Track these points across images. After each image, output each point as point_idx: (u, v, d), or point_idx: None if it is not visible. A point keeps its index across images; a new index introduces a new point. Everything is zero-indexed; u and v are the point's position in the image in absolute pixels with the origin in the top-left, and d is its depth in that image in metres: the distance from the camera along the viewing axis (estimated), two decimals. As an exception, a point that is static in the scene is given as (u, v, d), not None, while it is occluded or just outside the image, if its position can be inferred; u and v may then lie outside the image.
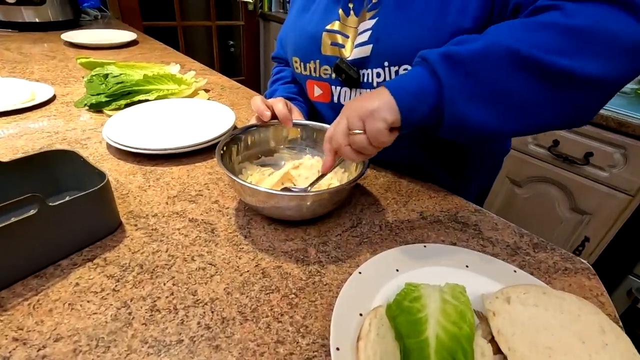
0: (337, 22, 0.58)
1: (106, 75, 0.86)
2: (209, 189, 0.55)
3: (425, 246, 0.45)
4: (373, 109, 0.39)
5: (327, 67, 0.60)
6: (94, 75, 0.86)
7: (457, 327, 0.32)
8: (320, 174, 0.49)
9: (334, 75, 0.59)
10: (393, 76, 0.53)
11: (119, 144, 0.59)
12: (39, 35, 1.32)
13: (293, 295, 0.39)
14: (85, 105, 0.77)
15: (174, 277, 0.39)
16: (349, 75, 0.56)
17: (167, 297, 0.37)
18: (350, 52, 0.56)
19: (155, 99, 0.80)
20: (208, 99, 0.88)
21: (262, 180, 0.56)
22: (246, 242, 0.45)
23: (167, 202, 0.51)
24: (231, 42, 2.66)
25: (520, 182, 1.35)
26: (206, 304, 0.37)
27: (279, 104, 0.57)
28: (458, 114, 0.38)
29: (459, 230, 0.51)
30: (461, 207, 0.56)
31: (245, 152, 0.57)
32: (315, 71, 0.62)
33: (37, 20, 1.35)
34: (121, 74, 0.86)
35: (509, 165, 1.35)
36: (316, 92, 0.64)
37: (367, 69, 0.55)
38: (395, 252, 0.43)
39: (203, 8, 2.30)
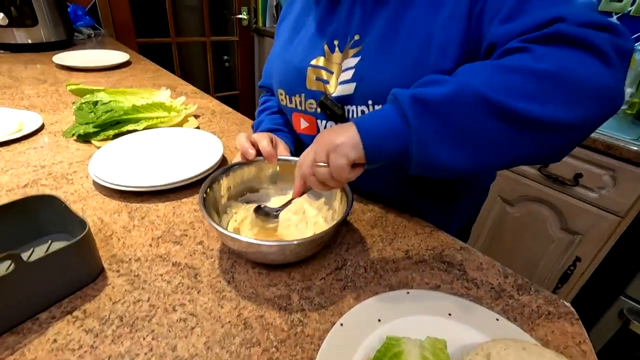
0: (321, 58, 0.58)
1: (95, 103, 0.86)
2: (194, 228, 0.55)
3: (408, 292, 0.45)
4: (338, 144, 0.39)
5: (312, 101, 0.60)
6: (83, 103, 0.86)
7: (436, 389, 0.31)
8: (290, 198, 0.50)
9: (319, 110, 0.60)
10: None
11: (104, 181, 0.59)
12: (31, 57, 1.32)
13: (274, 349, 0.38)
14: (74, 135, 0.77)
15: (154, 331, 0.39)
16: (333, 111, 0.57)
17: (145, 353, 0.37)
18: (334, 89, 0.57)
19: (144, 129, 0.80)
20: (198, 126, 0.88)
21: (247, 217, 0.56)
22: (229, 289, 0.45)
23: (151, 244, 0.51)
24: (226, 57, 2.68)
25: (511, 201, 1.36)
26: (185, 360, 0.36)
27: (263, 141, 0.58)
28: (427, 155, 0.38)
29: (443, 270, 0.51)
30: (447, 245, 0.56)
31: (230, 190, 0.57)
32: (300, 104, 0.62)
33: (29, 41, 1.35)
34: (110, 101, 0.87)
35: (501, 184, 1.35)
36: (302, 124, 0.65)
37: (351, 105, 0.56)
38: (377, 301, 0.43)
39: (197, 24, 2.32)
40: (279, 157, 0.58)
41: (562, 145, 0.38)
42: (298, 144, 0.70)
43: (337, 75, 0.57)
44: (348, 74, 0.55)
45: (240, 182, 0.58)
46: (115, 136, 0.77)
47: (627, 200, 1.08)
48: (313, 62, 0.59)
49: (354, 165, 0.40)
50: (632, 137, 1.08)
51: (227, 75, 2.72)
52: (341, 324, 0.40)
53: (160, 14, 2.07)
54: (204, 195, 0.49)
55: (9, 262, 0.36)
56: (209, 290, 0.45)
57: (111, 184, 0.59)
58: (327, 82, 0.58)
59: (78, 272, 0.42)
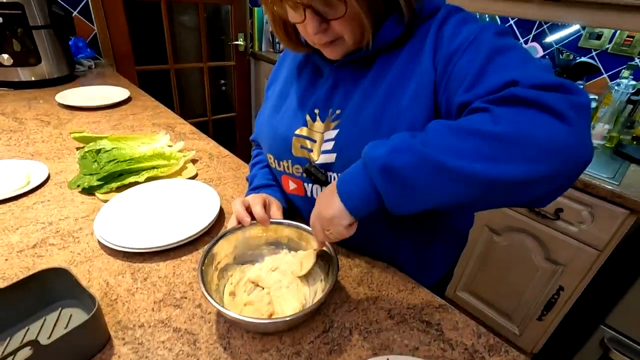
0: (304, 128, 0.63)
1: (98, 151, 0.91)
2: (192, 290, 0.59)
3: (388, 358, 0.50)
4: (330, 217, 0.48)
5: (298, 166, 0.65)
6: (87, 152, 0.91)
7: None
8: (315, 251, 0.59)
9: (305, 175, 0.65)
10: None
11: (109, 242, 0.64)
12: (34, 93, 1.37)
13: (265, 419, 0.43)
14: (78, 186, 0.82)
15: (157, 402, 0.43)
16: (317, 177, 0.62)
17: None
18: (318, 156, 0.62)
19: (145, 181, 0.84)
20: (196, 174, 0.93)
21: (242, 279, 0.60)
22: (225, 356, 0.49)
23: (153, 308, 0.55)
24: (222, 81, 2.74)
25: (498, 231, 1.41)
26: None
27: (257, 206, 0.63)
28: (401, 210, 0.44)
29: (422, 331, 0.55)
30: (427, 303, 0.61)
31: (226, 256, 0.61)
32: (288, 168, 0.67)
33: (32, 78, 1.40)
34: (113, 149, 0.92)
35: (488, 214, 1.41)
36: (291, 186, 0.69)
37: (333, 172, 0.62)
38: (360, 369, 0.48)
39: (195, 49, 2.38)
40: (271, 220, 0.63)
41: (535, 197, 0.40)
42: (289, 201, 0.75)
43: (320, 143, 0.61)
44: (329, 145, 0.60)
45: (235, 246, 0.63)
46: (118, 188, 0.82)
47: (605, 235, 1.14)
48: (297, 132, 0.64)
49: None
50: (608, 176, 1.14)
51: (224, 98, 2.78)
52: (326, 394, 0.44)
53: (159, 40, 2.13)
54: (202, 267, 0.53)
55: (25, 350, 0.40)
56: (207, 357, 0.49)
57: (115, 245, 0.63)
58: (310, 150, 0.63)
59: (88, 345, 0.47)
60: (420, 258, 0.70)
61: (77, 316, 0.53)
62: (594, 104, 1.48)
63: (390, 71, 0.57)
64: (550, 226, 1.25)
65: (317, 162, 0.62)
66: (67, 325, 0.51)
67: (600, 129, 1.32)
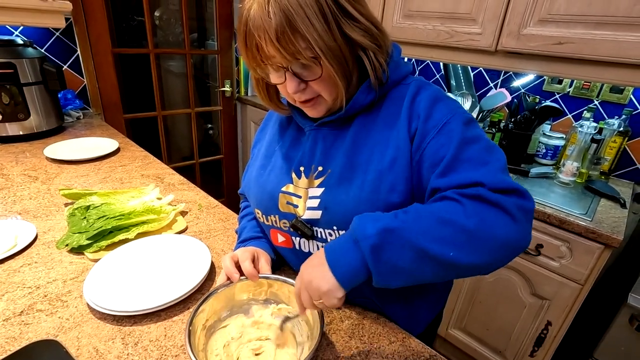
0: (290, 185, 0.66)
1: (88, 207, 0.92)
2: (184, 353, 0.59)
3: (382, 418, 0.50)
4: (325, 291, 0.50)
5: (285, 221, 0.68)
6: (75, 209, 0.91)
7: None
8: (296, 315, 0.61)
9: (292, 229, 0.67)
10: None
11: (99, 306, 0.63)
12: (22, 147, 1.38)
13: None
14: (67, 245, 0.82)
15: None
16: (304, 232, 0.64)
17: None
18: (303, 212, 0.64)
19: (135, 237, 0.85)
20: (186, 227, 0.94)
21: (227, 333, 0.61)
22: None
23: (144, 376, 0.55)
24: (210, 125, 2.80)
25: (484, 267, 1.44)
26: None
27: (245, 262, 0.64)
28: (387, 285, 0.50)
29: (414, 385, 0.56)
30: (417, 355, 0.62)
31: (215, 311, 0.62)
32: (276, 223, 0.70)
33: (21, 132, 1.41)
34: (102, 204, 0.92)
35: (472, 252, 1.44)
36: (279, 239, 0.71)
37: (320, 228, 0.64)
38: None
39: (183, 96, 2.45)
40: (260, 275, 0.65)
41: (487, 272, 0.50)
42: (277, 253, 0.77)
43: (305, 199, 0.64)
44: (314, 202, 0.63)
45: (224, 301, 0.63)
46: (108, 246, 0.82)
47: (584, 270, 1.18)
48: (283, 189, 0.67)
49: None
50: (580, 212, 1.20)
51: (211, 141, 2.83)
52: None
53: (147, 88, 2.19)
54: (189, 327, 0.54)
55: None
56: None
57: (105, 308, 0.63)
58: (296, 206, 0.65)
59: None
60: (408, 306, 0.72)
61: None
62: (562, 142, 1.58)
63: (369, 134, 0.62)
64: (533, 262, 1.30)
65: (303, 218, 0.65)
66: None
67: (570, 166, 1.41)
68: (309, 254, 0.68)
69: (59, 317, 0.64)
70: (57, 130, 1.55)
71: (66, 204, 1.00)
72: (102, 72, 1.92)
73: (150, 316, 0.66)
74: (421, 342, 0.64)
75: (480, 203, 0.48)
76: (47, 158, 1.29)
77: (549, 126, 1.64)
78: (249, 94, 2.59)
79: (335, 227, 0.62)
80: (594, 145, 1.44)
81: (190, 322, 0.55)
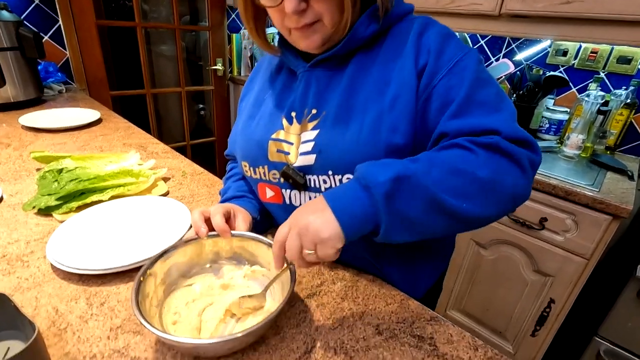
0: (281, 131, 0.61)
1: (60, 170, 0.85)
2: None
3: (378, 379, 0.44)
4: (325, 238, 0.43)
5: (275, 171, 0.62)
6: (47, 172, 0.84)
7: None
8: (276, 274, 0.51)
9: (282, 180, 0.61)
10: (337, 182, 0.57)
11: (62, 264, 0.57)
12: (-3, 117, 1.30)
13: None
14: (34, 208, 0.74)
15: None
16: (296, 180, 0.58)
17: None
18: (295, 159, 0.59)
19: (110, 199, 0.78)
20: (167, 191, 0.87)
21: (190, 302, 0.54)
22: (191, 387, 0.43)
23: (108, 337, 0.48)
24: (201, 106, 2.72)
25: (484, 245, 1.39)
26: None
27: (216, 216, 0.58)
28: (389, 238, 0.45)
29: (414, 347, 0.50)
30: (417, 316, 0.56)
31: (177, 264, 0.55)
32: (264, 175, 0.64)
33: (-5, 101, 1.33)
34: (76, 168, 0.85)
35: (473, 228, 1.38)
36: (268, 194, 0.65)
37: (312, 175, 0.58)
38: (346, 392, 0.42)
39: (173, 75, 2.37)
40: (233, 232, 0.58)
41: (479, 227, 0.49)
42: (264, 211, 0.70)
43: (297, 146, 0.59)
44: (308, 146, 0.57)
45: (190, 259, 0.57)
46: (79, 208, 0.75)
47: (590, 243, 1.13)
48: (274, 136, 0.61)
49: None
50: (587, 182, 1.15)
51: (204, 123, 2.75)
52: None
53: (135, 65, 2.10)
54: (140, 279, 0.47)
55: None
56: (169, 390, 0.42)
57: (69, 267, 0.56)
58: (287, 153, 0.60)
59: (23, 382, 0.39)
60: (408, 269, 0.66)
61: (15, 349, 0.45)
62: (566, 116, 1.52)
63: (368, 73, 0.56)
64: (536, 236, 1.24)
65: (295, 165, 0.59)
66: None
67: (575, 139, 1.34)
68: None
69: (17, 277, 0.57)
70: (35, 101, 1.47)
71: (38, 169, 0.93)
72: (87, 46, 1.83)
73: (121, 276, 0.59)
74: (420, 304, 0.58)
75: (494, 153, 0.46)
76: (23, 127, 1.21)
77: (553, 100, 1.57)
78: (242, 74, 2.51)
79: (330, 172, 0.56)
80: (600, 118, 1.37)
81: (144, 272, 0.49)
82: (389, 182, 0.42)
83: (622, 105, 1.38)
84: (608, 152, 1.46)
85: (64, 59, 1.79)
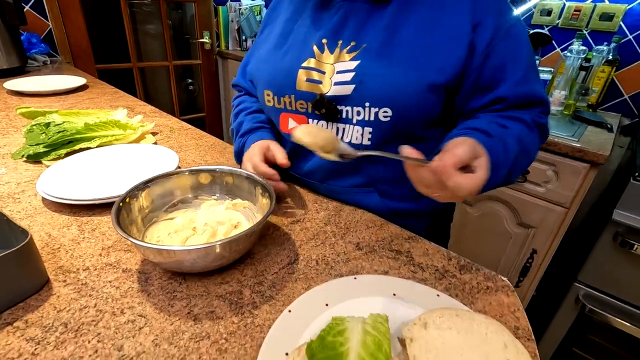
0: (312, 60, 0.61)
1: (48, 124, 0.85)
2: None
3: (355, 278, 0.47)
4: (466, 194, 0.41)
5: (302, 101, 0.62)
6: (34, 125, 0.84)
7: (374, 357, 0.33)
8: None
9: (310, 109, 0.62)
10: (372, 116, 0.58)
11: (53, 196, 0.58)
12: (-20, 84, 1.28)
13: (223, 341, 0.39)
14: (23, 156, 0.76)
15: (99, 334, 0.39)
16: (330, 110, 0.59)
17: (90, 355, 0.36)
18: (328, 88, 0.59)
19: (98, 147, 0.79)
20: (155, 143, 0.89)
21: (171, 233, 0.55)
22: (180, 289, 0.45)
23: (100, 254, 0.51)
24: (190, 81, 2.69)
25: (470, 202, 1.43)
26: (132, 358, 0.36)
27: (262, 166, 0.60)
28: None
29: (392, 258, 0.53)
30: (396, 235, 0.59)
31: (160, 199, 0.57)
32: (290, 105, 0.64)
33: (-22, 69, 1.31)
34: (64, 122, 0.86)
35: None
36: (291, 124, 0.66)
37: (346, 106, 0.59)
38: (325, 287, 0.45)
39: (161, 49, 2.34)
40: (200, 168, 0.60)
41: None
42: (281, 142, 0.69)
43: (331, 74, 0.59)
44: (346, 76, 0.57)
45: (167, 191, 0.58)
46: (67, 155, 0.76)
47: (569, 192, 1.17)
48: (304, 64, 0.61)
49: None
50: (568, 134, 1.18)
51: (193, 99, 2.73)
52: (289, 311, 0.41)
53: (121, 39, 2.07)
54: (120, 204, 0.49)
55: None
56: (159, 291, 0.45)
57: (60, 198, 0.58)
58: (319, 82, 0.60)
59: (19, 283, 0.42)
60: (413, 203, 0.68)
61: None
62: (549, 76, 1.54)
63: (414, 11, 0.56)
64: (519, 190, 1.28)
65: (328, 95, 0.59)
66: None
67: (557, 95, 1.37)
68: None
69: (10, 211, 0.59)
70: (19, 70, 1.45)
71: (25, 126, 0.93)
72: (69, 16, 1.80)
73: (111, 208, 0.61)
74: (400, 227, 0.61)
75: (542, 134, 0.59)
76: (8, 91, 1.20)
77: (538, 60, 1.59)
78: (229, 48, 2.48)
79: (367, 104, 0.57)
80: (582, 74, 1.40)
81: (125, 196, 0.50)
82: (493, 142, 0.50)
83: (603, 61, 1.41)
84: (590, 110, 1.50)
85: (47, 30, 1.76)
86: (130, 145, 0.80)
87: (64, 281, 0.46)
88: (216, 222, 0.55)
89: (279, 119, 0.67)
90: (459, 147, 0.41)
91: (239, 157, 0.72)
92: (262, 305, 0.44)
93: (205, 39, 2.37)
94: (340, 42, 0.59)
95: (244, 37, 2.42)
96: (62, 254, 0.50)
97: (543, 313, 1.35)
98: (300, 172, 0.71)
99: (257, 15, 2.43)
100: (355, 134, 0.61)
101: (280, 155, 0.61)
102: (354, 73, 0.57)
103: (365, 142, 0.61)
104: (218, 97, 2.61)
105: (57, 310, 0.41)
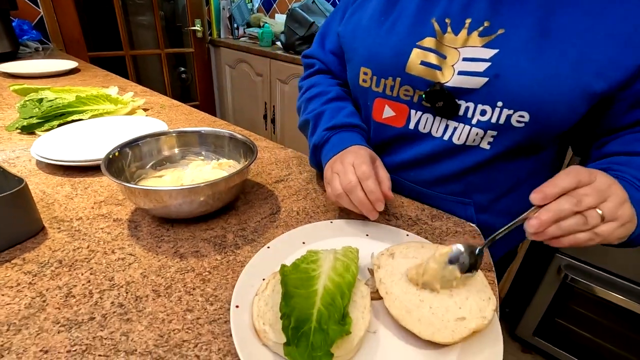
0: (432, 39, 0.50)
1: (40, 100, 0.88)
2: (137, 193, 0.58)
3: (332, 222, 0.50)
4: (627, 222, 0.36)
5: (409, 87, 0.52)
6: (27, 100, 0.87)
7: (342, 277, 0.37)
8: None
9: (416, 98, 0.52)
10: (502, 119, 0.47)
11: (47, 158, 0.61)
12: (-27, 68, 1.30)
13: (207, 273, 0.42)
14: (17, 128, 0.78)
15: (92, 268, 0.42)
16: (448, 104, 0.49)
17: (83, 284, 0.40)
18: (450, 77, 0.49)
19: (90, 119, 0.82)
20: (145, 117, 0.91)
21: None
22: (168, 234, 0.49)
23: (92, 207, 0.54)
24: (183, 69, 2.70)
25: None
26: (122, 286, 0.40)
27: (370, 181, 0.47)
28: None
29: (369, 210, 0.57)
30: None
31: (149, 156, 0.60)
32: (392, 90, 0.54)
33: (-30, 53, 1.33)
34: (56, 98, 0.88)
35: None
36: (386, 113, 0.56)
37: (470, 102, 0.49)
38: (303, 229, 0.48)
39: (153, 37, 2.34)
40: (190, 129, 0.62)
41: None
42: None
43: (453, 61, 0.49)
44: (478, 66, 0.47)
45: (154, 151, 0.61)
46: (60, 126, 0.79)
47: (551, 165, 1.20)
48: (419, 43, 0.50)
49: None
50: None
51: (186, 87, 2.74)
52: (268, 247, 0.44)
53: (113, 27, 2.08)
54: (109, 157, 0.51)
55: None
56: (148, 236, 0.48)
57: (54, 160, 0.61)
58: (438, 68, 0.49)
59: (16, 225, 0.45)
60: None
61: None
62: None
63: None
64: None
65: (447, 85, 0.49)
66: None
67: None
68: (428, 137, 0.54)
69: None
70: (11, 55, 1.47)
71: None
72: (60, 4, 1.81)
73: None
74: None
75: None
76: (1, 73, 1.22)
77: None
78: (221, 36, 2.50)
79: (500, 103, 0.47)
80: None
81: (114, 150, 0.53)
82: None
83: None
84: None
85: (38, 17, 1.77)
86: (122, 117, 0.83)
87: (59, 228, 0.49)
88: (203, 179, 0.58)
89: (373, 105, 0.57)
90: None
91: (319, 150, 0.60)
92: (244, 246, 0.47)
93: (197, 27, 2.38)
94: (468, 20, 0.48)
95: (235, 25, 2.43)
96: (56, 207, 0.53)
97: (527, 288, 1.40)
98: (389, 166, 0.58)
99: (249, 2, 2.44)
100: (472, 136, 0.51)
101: (387, 183, 0.49)
102: (489, 64, 0.46)
103: (484, 145, 0.51)
104: (211, 85, 2.62)
105: (52, 250, 0.44)
